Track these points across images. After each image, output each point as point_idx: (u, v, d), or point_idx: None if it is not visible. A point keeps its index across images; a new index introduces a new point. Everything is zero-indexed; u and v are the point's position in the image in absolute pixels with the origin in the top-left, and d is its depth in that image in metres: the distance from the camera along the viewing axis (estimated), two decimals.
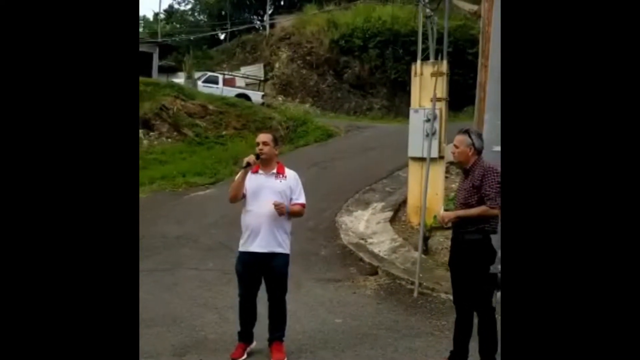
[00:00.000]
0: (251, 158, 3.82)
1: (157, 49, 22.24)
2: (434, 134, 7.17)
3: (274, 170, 3.94)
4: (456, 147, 3.83)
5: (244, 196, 3.91)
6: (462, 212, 3.66)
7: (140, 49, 23.20)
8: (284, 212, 3.83)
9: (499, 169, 3.62)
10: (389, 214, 8.71)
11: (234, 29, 27.44)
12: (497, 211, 3.61)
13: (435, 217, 6.64)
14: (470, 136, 3.78)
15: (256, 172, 3.92)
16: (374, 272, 6.41)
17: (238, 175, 3.91)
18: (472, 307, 3.75)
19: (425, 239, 6.73)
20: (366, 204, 9.32)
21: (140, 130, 14.27)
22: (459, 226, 3.76)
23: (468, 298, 3.74)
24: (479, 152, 3.78)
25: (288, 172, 4.00)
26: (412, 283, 5.78)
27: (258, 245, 3.84)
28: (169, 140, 14.23)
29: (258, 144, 3.92)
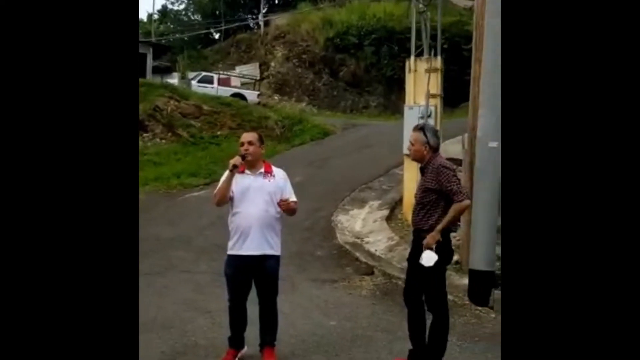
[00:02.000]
0: (237, 160, 3.71)
1: (151, 49, 22.13)
2: None
3: (262, 170, 3.83)
4: (412, 144, 3.74)
5: (231, 199, 3.80)
6: (440, 226, 3.52)
7: None
8: (289, 208, 3.78)
9: (448, 164, 3.66)
10: (386, 212, 8.62)
11: (228, 26, 27.34)
12: (467, 202, 3.58)
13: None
14: (425, 134, 3.69)
15: (242, 172, 3.80)
16: (370, 271, 6.32)
17: (223, 178, 3.80)
18: (422, 304, 3.69)
19: None
20: (362, 203, 9.23)
21: None
22: (419, 226, 3.67)
23: (419, 295, 3.67)
24: (434, 149, 3.69)
25: (276, 170, 3.89)
26: None
27: (248, 247, 3.74)
28: (163, 141, 14.12)
29: (242, 144, 3.80)
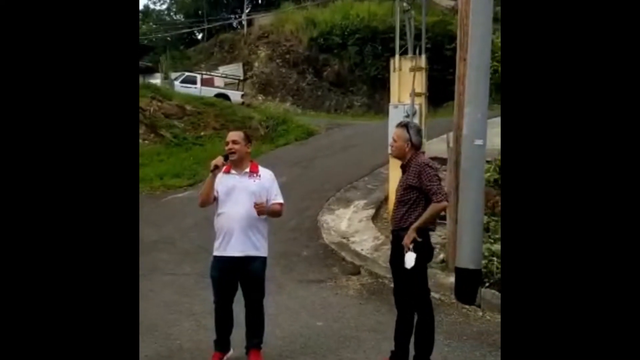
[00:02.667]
0: (219, 160, 3.64)
1: None
2: None
3: (247, 170, 3.76)
4: (394, 140, 3.72)
5: (215, 199, 3.74)
6: (416, 225, 3.50)
7: None
8: (264, 212, 3.66)
9: (431, 162, 3.65)
10: (371, 211, 8.60)
11: (211, 25, 27.18)
12: (445, 203, 3.56)
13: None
14: (408, 131, 3.67)
15: (228, 172, 3.74)
16: (356, 271, 6.28)
17: (207, 179, 3.74)
18: (412, 306, 3.66)
19: None
20: (348, 202, 9.20)
21: None
22: (399, 225, 3.65)
23: (407, 297, 3.65)
24: (416, 147, 3.68)
25: (263, 171, 3.83)
26: None
27: (232, 249, 3.67)
28: (146, 142, 13.93)
29: (227, 143, 3.73)
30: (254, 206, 3.61)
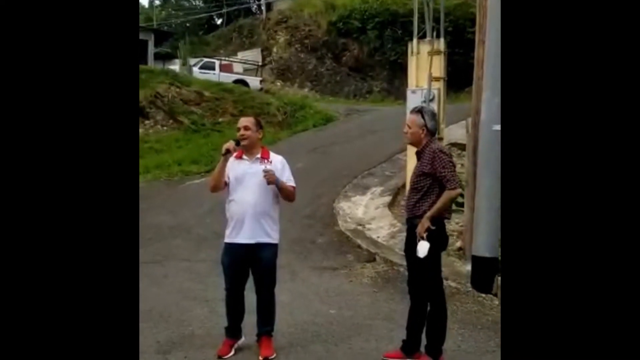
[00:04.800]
0: (230, 145, 3.60)
1: (153, 36, 21.92)
2: None
3: (258, 156, 3.72)
4: (409, 127, 3.61)
5: (226, 184, 3.71)
6: (430, 213, 3.42)
7: None
8: (273, 180, 3.60)
9: (445, 149, 3.59)
10: (388, 198, 8.52)
11: (229, 9, 27.14)
12: (459, 190, 3.48)
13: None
14: (423, 116, 3.56)
15: (239, 158, 3.71)
16: (371, 259, 6.23)
17: (219, 163, 3.71)
18: (425, 295, 3.58)
19: None
20: (365, 189, 9.13)
21: None
22: (412, 213, 3.57)
23: (420, 286, 3.58)
24: (432, 133, 3.58)
25: (274, 156, 3.78)
26: None
27: (243, 236, 3.64)
28: (164, 128, 14.02)
29: (239, 129, 3.69)
30: (264, 174, 3.56)
